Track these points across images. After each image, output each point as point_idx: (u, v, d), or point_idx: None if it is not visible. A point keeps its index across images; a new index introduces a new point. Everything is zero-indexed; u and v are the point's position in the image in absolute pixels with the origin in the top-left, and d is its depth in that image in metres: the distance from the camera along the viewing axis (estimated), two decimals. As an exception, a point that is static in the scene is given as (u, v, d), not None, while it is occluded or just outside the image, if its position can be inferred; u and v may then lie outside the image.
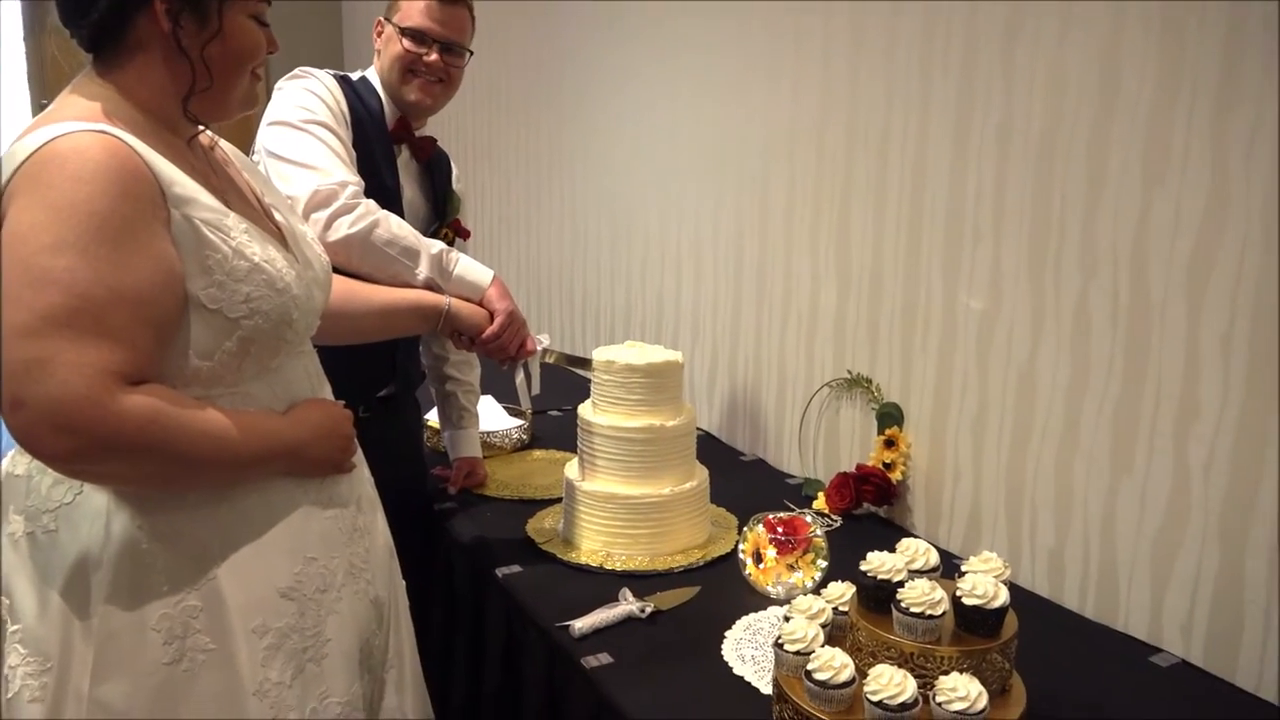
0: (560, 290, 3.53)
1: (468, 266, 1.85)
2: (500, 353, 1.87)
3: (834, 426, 2.32)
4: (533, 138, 3.60)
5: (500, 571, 1.84)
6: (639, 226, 3.02)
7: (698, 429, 2.30)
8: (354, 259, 1.76)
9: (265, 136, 1.83)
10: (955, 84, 1.91)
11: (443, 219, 2.14)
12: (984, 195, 1.88)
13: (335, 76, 1.93)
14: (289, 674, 1.22)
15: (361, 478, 1.40)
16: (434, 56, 1.96)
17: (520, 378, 1.96)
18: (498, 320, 1.84)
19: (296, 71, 1.92)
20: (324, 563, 1.27)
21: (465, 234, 2.19)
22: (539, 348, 1.94)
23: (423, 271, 1.80)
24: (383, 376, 2.08)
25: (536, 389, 1.98)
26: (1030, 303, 1.81)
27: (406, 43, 1.95)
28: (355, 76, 2.00)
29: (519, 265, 3.80)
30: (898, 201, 2.07)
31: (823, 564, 1.77)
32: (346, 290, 1.69)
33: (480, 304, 1.85)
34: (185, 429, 1.11)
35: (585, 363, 1.99)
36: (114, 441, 1.06)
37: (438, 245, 1.83)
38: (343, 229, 1.74)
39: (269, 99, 1.89)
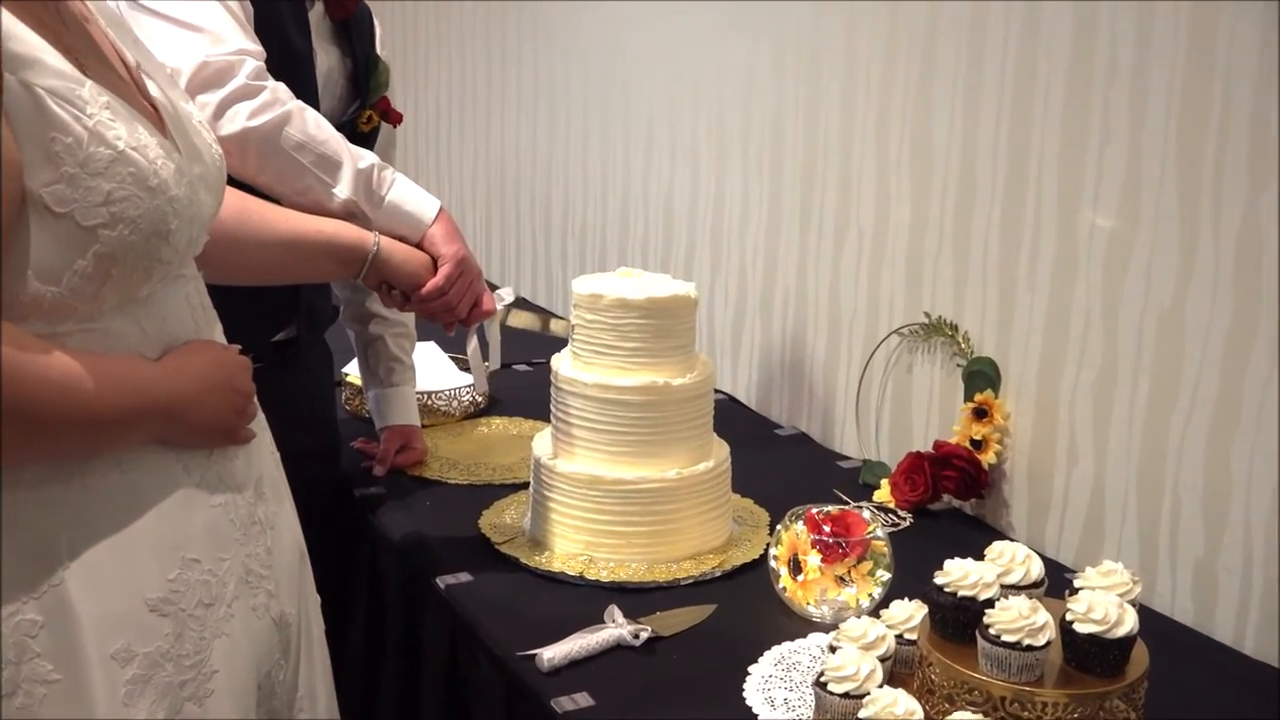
0: (532, 200, 3.53)
1: (406, 192, 1.85)
2: (447, 314, 1.87)
3: (904, 390, 2.33)
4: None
5: (443, 581, 1.87)
6: (640, 112, 3.01)
7: (716, 391, 2.31)
8: (250, 163, 1.76)
9: (131, -18, 1.82)
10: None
11: (365, 97, 2.14)
12: (1119, 73, 1.87)
13: None
14: (160, 715, 1.23)
15: (262, 453, 1.41)
16: None
17: (473, 346, 1.96)
18: (443, 269, 1.83)
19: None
20: (210, 566, 1.28)
21: (396, 118, 2.19)
22: (499, 307, 1.94)
23: (343, 191, 1.79)
24: (280, 314, 2.09)
25: (496, 362, 1.98)
26: (1179, 220, 1.81)
27: None
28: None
29: (474, 166, 3.79)
30: (998, 81, 2.07)
31: (884, 576, 1.79)
32: (239, 209, 1.67)
33: (420, 246, 1.84)
34: (21, 376, 1.10)
35: (566, 323, 1.99)
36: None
37: (368, 158, 1.82)
38: (239, 120, 1.73)
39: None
